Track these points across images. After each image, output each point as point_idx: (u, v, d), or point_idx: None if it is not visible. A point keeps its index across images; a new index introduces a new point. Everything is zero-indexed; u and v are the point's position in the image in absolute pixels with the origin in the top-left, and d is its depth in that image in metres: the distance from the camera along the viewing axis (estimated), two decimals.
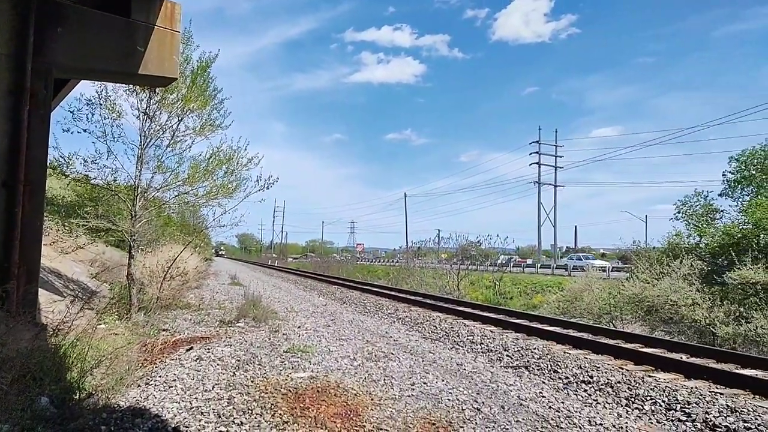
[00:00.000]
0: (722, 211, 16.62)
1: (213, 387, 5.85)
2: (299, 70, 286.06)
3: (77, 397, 4.94)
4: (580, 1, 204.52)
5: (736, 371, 7.75)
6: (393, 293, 20.56)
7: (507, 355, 8.92)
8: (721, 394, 6.56)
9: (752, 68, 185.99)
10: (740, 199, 16.15)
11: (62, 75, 7.97)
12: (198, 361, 7.09)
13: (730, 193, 16.50)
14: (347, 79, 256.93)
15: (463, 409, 5.55)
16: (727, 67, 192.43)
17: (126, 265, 10.97)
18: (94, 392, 5.19)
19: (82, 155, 10.35)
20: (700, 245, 16.00)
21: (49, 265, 11.52)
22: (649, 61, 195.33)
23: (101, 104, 10.12)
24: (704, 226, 16.15)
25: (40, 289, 7.48)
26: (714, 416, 5.68)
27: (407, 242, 63.04)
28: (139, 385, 5.78)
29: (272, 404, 5.30)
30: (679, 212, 17.16)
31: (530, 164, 60.83)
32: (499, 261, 36.38)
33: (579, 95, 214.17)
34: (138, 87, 10.03)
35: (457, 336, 10.72)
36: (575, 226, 72.97)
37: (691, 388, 6.78)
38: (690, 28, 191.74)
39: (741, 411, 5.79)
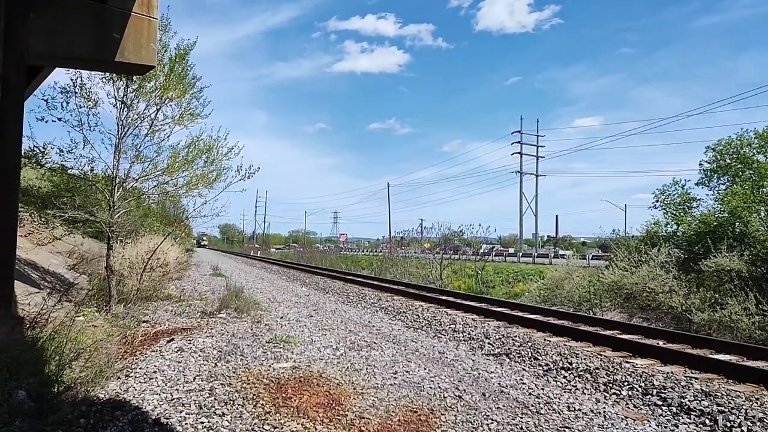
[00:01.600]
0: (699, 199, 16.89)
1: (194, 378, 5.82)
2: (281, 58, 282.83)
3: (56, 390, 4.87)
4: None
5: (711, 356, 7.93)
6: (376, 283, 20.61)
7: (488, 343, 9.01)
8: (696, 378, 6.72)
9: (727, 59, 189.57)
10: (716, 188, 16.39)
11: (35, 62, 7.78)
12: (179, 352, 7.04)
13: (706, 182, 16.73)
14: (330, 68, 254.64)
15: (444, 397, 5.60)
16: (703, 59, 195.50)
17: (105, 257, 10.82)
18: (72, 385, 5.12)
19: (57, 145, 10.15)
20: (677, 233, 16.28)
21: (24, 257, 11.31)
22: (629, 52, 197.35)
23: (76, 92, 9.89)
24: (681, 214, 16.41)
25: (16, 281, 7.34)
26: (689, 400, 5.81)
27: (390, 232, 63.16)
28: (119, 378, 5.72)
29: (254, 395, 5.29)
30: (657, 201, 17.39)
31: (512, 154, 61.17)
32: (482, 250, 36.66)
33: (561, 85, 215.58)
34: (114, 75, 9.82)
35: (440, 325, 10.80)
36: (556, 216, 73.92)
37: (667, 373, 6.93)
38: (668, 19, 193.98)
39: (715, 395, 5.94)
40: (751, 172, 15.27)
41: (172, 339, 7.92)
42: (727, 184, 15.97)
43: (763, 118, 46.33)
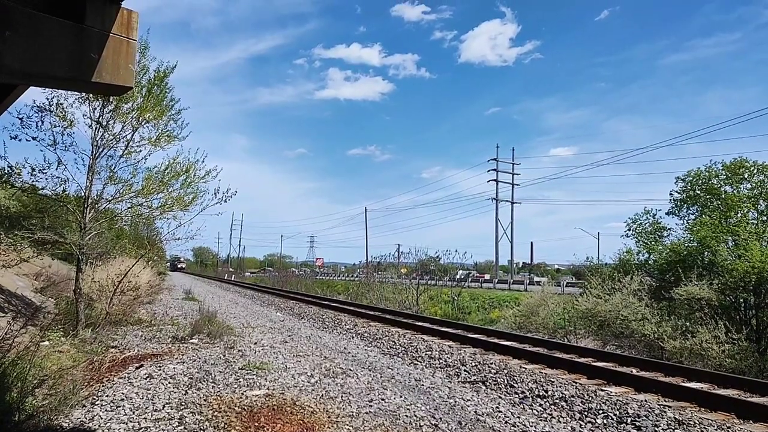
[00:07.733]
0: (669, 229, 17.23)
1: (163, 406, 5.64)
2: (264, 84, 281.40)
3: (17, 418, 4.67)
4: (543, 26, 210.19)
5: (683, 384, 8.02)
6: (352, 308, 20.43)
7: (465, 370, 8.97)
8: (669, 407, 6.77)
9: (694, 94, 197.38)
10: (686, 218, 16.76)
11: (9, 80, 7.64)
12: (148, 379, 6.83)
13: (676, 211, 17.10)
14: (313, 95, 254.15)
15: (420, 426, 5.53)
16: (671, 93, 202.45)
17: (74, 279, 10.52)
18: (35, 413, 4.92)
19: (30, 164, 9.92)
20: (649, 262, 16.55)
21: None
22: (603, 86, 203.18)
23: (51, 111, 9.74)
24: (653, 243, 16.72)
25: None
26: (663, 428, 5.85)
27: (367, 257, 62.96)
28: (84, 406, 5.52)
29: (225, 423, 5.15)
30: (629, 230, 17.69)
31: (488, 181, 62.01)
32: (458, 276, 36.75)
33: (538, 116, 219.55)
34: (91, 95, 9.70)
35: (416, 351, 10.72)
36: (531, 242, 74.61)
37: (641, 401, 6.97)
38: (638, 55, 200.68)
39: (688, 423, 5.99)
40: (719, 202, 15.69)
41: (142, 365, 7.70)
42: (697, 214, 16.35)
43: (728, 151, 48.14)
